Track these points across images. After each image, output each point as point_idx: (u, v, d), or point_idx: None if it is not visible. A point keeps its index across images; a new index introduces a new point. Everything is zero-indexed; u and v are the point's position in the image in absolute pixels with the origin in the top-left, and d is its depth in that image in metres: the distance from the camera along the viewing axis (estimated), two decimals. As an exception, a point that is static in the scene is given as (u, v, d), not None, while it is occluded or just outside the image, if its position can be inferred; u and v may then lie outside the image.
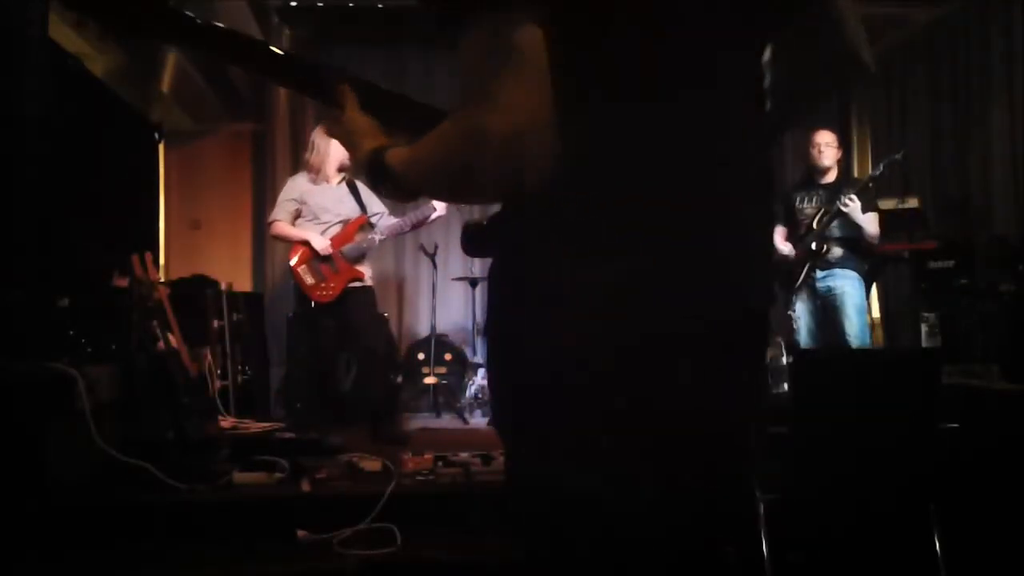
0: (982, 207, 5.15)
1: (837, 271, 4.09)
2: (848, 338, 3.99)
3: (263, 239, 6.12)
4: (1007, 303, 3.86)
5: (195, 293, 4.32)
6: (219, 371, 4.23)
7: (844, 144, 4.61)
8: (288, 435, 3.66)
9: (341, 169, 4.07)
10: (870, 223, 4.04)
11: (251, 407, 4.43)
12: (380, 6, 5.60)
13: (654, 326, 0.87)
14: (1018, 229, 4.67)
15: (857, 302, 4.06)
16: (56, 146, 3.06)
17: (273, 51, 1.12)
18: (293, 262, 4.01)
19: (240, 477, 2.77)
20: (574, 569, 0.91)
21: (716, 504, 0.96)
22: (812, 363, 2.51)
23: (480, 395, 5.13)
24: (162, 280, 3.84)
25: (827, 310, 4.11)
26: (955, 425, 2.63)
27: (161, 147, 4.89)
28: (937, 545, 2.31)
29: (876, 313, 5.55)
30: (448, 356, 5.48)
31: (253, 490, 2.74)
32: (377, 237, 4.09)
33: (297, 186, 4.12)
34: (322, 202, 4.06)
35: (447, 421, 5.01)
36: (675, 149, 0.89)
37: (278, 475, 2.82)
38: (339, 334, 4.31)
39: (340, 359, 4.84)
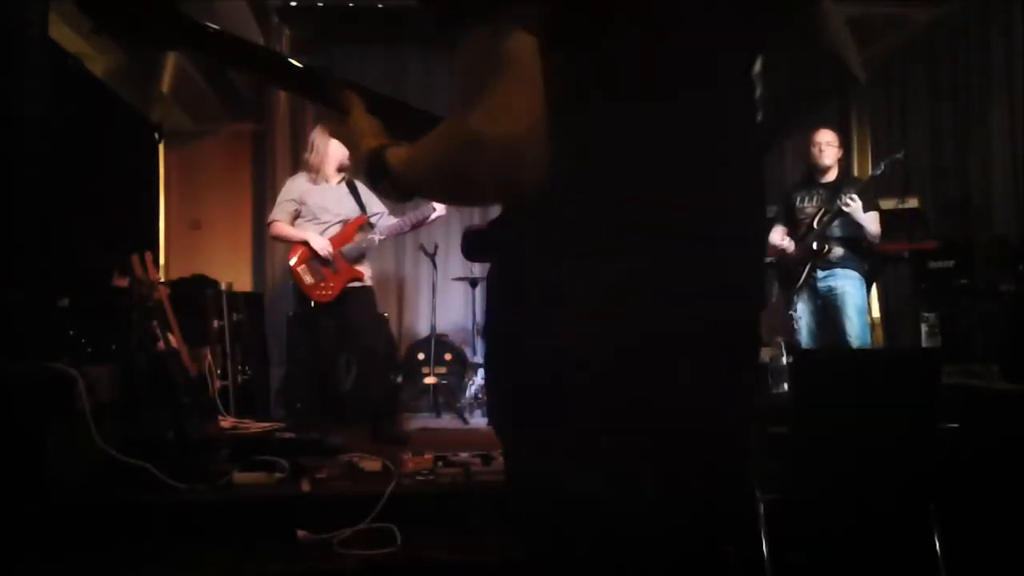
0: (982, 207, 5.15)
1: (838, 271, 4.08)
2: (849, 338, 3.99)
3: (263, 239, 6.11)
4: (1007, 303, 3.86)
5: (195, 293, 4.32)
6: (219, 371, 4.23)
7: (844, 144, 4.60)
8: (288, 435, 3.66)
9: (341, 169, 4.07)
10: (872, 222, 4.03)
11: (251, 407, 4.43)
12: (380, 6, 5.60)
13: (654, 326, 0.87)
14: (1018, 229, 4.67)
15: (858, 302, 4.05)
16: (56, 146, 3.06)
17: (276, 56, 1.12)
18: (292, 262, 4.01)
19: (240, 477, 2.77)
20: (574, 569, 0.91)
21: (716, 504, 0.96)
22: (812, 363, 2.50)
23: (480, 395, 5.12)
24: (162, 280, 3.84)
25: (828, 310, 4.11)
26: (955, 425, 2.63)
27: (161, 147, 4.89)
28: (937, 545, 2.31)
29: (876, 313, 5.55)
30: (448, 356, 5.48)
31: (253, 490, 2.74)
32: (377, 237, 4.09)
33: (296, 186, 4.12)
34: (321, 202, 4.05)
35: (447, 421, 5.01)
36: (675, 149, 0.89)
37: (278, 475, 2.82)
38: (339, 334, 4.31)
39: (340, 359, 4.84)
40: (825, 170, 4.17)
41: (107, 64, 4.82)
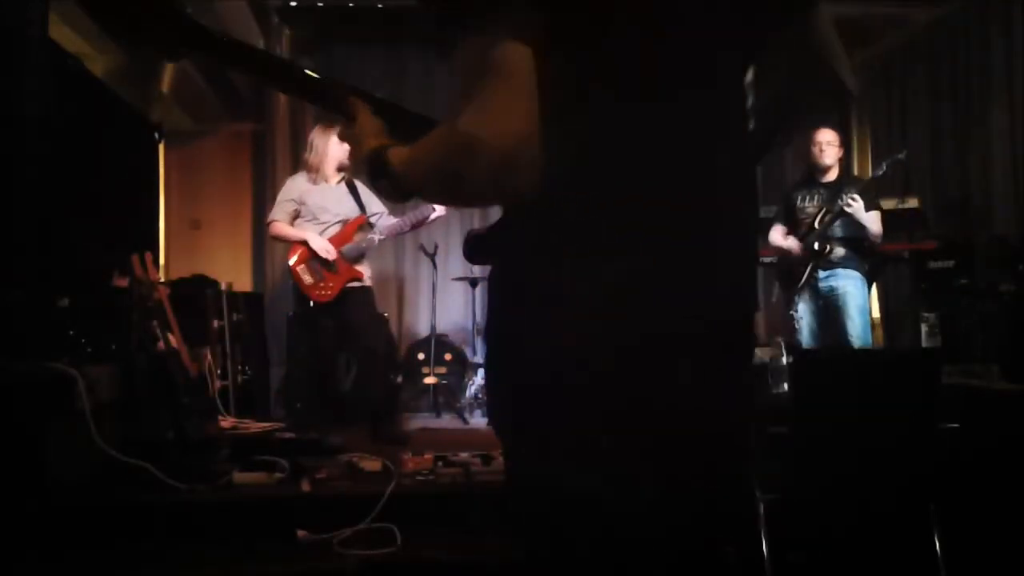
0: (982, 207, 5.14)
1: (840, 271, 4.08)
2: (851, 338, 3.99)
3: (263, 239, 6.11)
4: (1007, 303, 3.86)
5: (195, 293, 4.32)
6: (219, 371, 4.23)
7: (844, 144, 4.60)
8: (288, 435, 3.66)
9: (340, 169, 4.07)
10: (874, 222, 4.03)
11: (251, 407, 4.43)
12: (380, 6, 5.60)
13: (654, 326, 0.87)
14: (1018, 229, 4.67)
15: (860, 302, 4.05)
16: (56, 146, 3.06)
17: (281, 61, 1.13)
18: (292, 262, 4.01)
19: (240, 477, 2.77)
20: (574, 569, 0.91)
21: (716, 504, 0.96)
22: (812, 363, 2.50)
23: (480, 395, 5.12)
24: (162, 280, 3.84)
25: (830, 310, 4.10)
26: (955, 425, 2.63)
27: (161, 147, 4.89)
28: (937, 545, 2.31)
29: (876, 313, 5.55)
30: (448, 356, 5.48)
31: (253, 490, 2.74)
32: (376, 237, 4.09)
33: (296, 186, 4.12)
34: (321, 202, 4.05)
35: (447, 421, 5.01)
36: (675, 149, 0.89)
37: (278, 475, 2.82)
38: (338, 334, 4.31)
39: (340, 359, 4.84)
40: (826, 170, 4.17)
41: (107, 64, 4.82)
